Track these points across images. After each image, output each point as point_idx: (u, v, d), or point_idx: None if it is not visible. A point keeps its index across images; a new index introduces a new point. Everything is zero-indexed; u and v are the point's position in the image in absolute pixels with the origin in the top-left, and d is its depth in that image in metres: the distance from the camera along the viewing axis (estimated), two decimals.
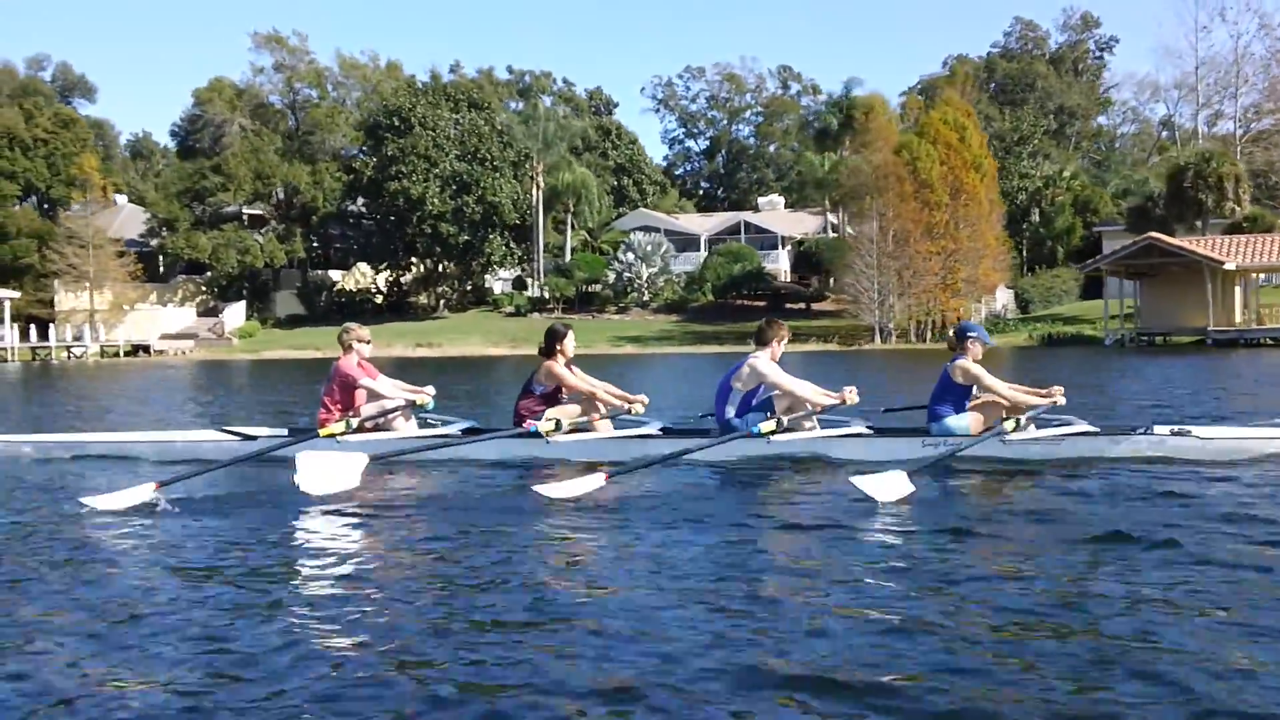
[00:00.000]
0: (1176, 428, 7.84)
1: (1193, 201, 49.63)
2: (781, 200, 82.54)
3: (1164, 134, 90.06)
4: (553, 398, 8.49)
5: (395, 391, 8.63)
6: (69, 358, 54.22)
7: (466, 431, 8.42)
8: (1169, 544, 4.78)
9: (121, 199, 72.07)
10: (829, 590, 4.15)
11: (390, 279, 70.03)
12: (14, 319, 56.35)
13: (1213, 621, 3.65)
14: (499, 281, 74.77)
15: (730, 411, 8.16)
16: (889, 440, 8.02)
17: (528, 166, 67.98)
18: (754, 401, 8.11)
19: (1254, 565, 4.42)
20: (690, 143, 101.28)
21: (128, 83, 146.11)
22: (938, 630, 3.59)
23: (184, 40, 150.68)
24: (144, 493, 6.22)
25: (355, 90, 74.91)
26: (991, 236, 49.37)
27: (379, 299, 70.83)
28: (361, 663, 3.37)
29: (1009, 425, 7.59)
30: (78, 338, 56.58)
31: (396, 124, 64.30)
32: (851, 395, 7.93)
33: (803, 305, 63.53)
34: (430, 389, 8.63)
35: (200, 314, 66.50)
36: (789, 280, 68.25)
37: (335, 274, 72.42)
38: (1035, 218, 63.81)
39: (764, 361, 8.08)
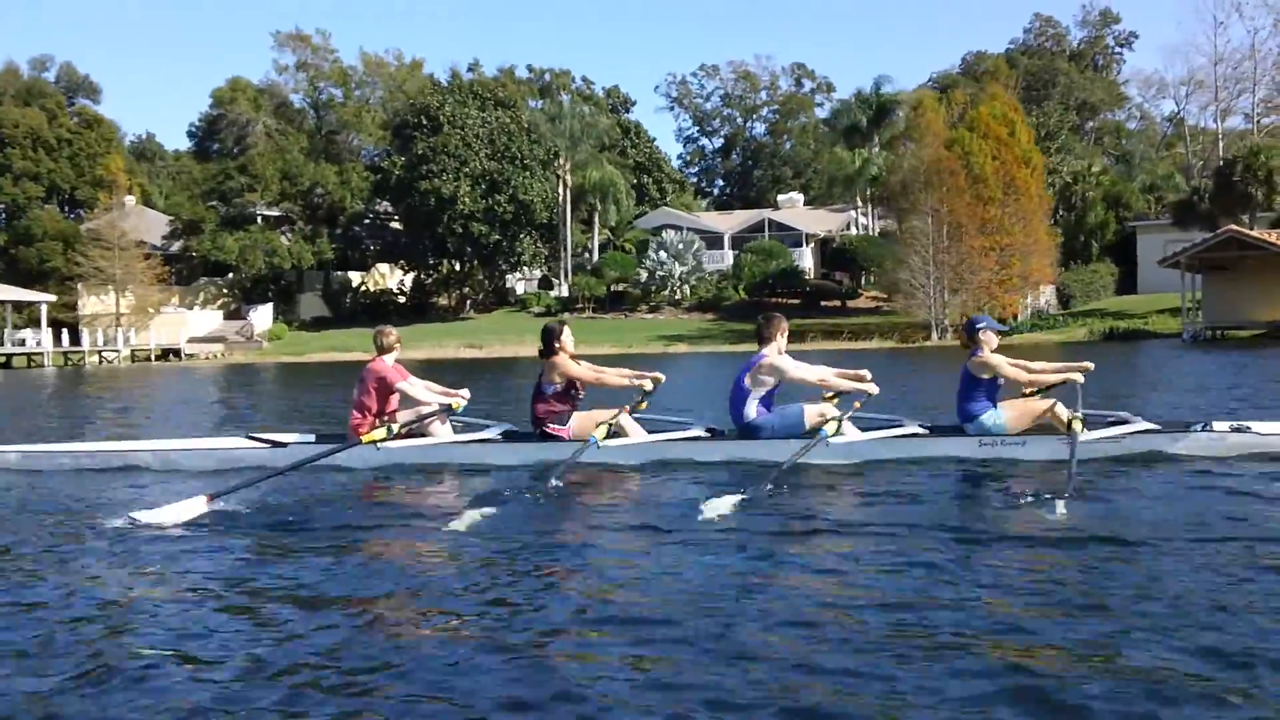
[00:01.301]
0: (1236, 424, 7.71)
1: (1241, 195, 49.25)
2: (801, 198, 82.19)
3: (1169, 130, 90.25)
4: (566, 395, 8.34)
5: (429, 395, 8.40)
6: (100, 362, 53.09)
7: (505, 435, 8.32)
8: (1235, 541, 4.81)
9: (130, 200, 70.93)
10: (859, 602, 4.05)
11: (415, 280, 69.12)
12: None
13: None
14: (520, 282, 74.06)
15: (751, 412, 7.97)
16: (943, 440, 7.83)
17: (555, 165, 67.28)
18: (772, 400, 8.04)
19: None
20: (704, 141, 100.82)
21: (130, 84, 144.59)
22: (982, 635, 3.59)
23: (187, 41, 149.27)
24: (196, 506, 6.11)
25: (378, 89, 73.85)
26: (1042, 231, 49.04)
27: (400, 300, 70.04)
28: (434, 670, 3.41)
29: (1064, 414, 7.55)
30: (108, 342, 55.46)
31: (424, 123, 63.46)
32: (871, 386, 7.86)
33: (837, 303, 63.01)
34: (465, 392, 8.37)
35: (225, 317, 65.46)
36: (814, 277, 67.75)
37: (354, 275, 71.52)
38: (1061, 213, 63.52)
39: (777, 356, 7.97)
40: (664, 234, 67.40)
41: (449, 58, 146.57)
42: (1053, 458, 7.29)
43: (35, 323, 55.67)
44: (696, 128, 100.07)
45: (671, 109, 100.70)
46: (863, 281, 64.24)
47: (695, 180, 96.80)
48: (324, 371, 35.59)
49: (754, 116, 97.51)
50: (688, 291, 65.67)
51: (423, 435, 8.28)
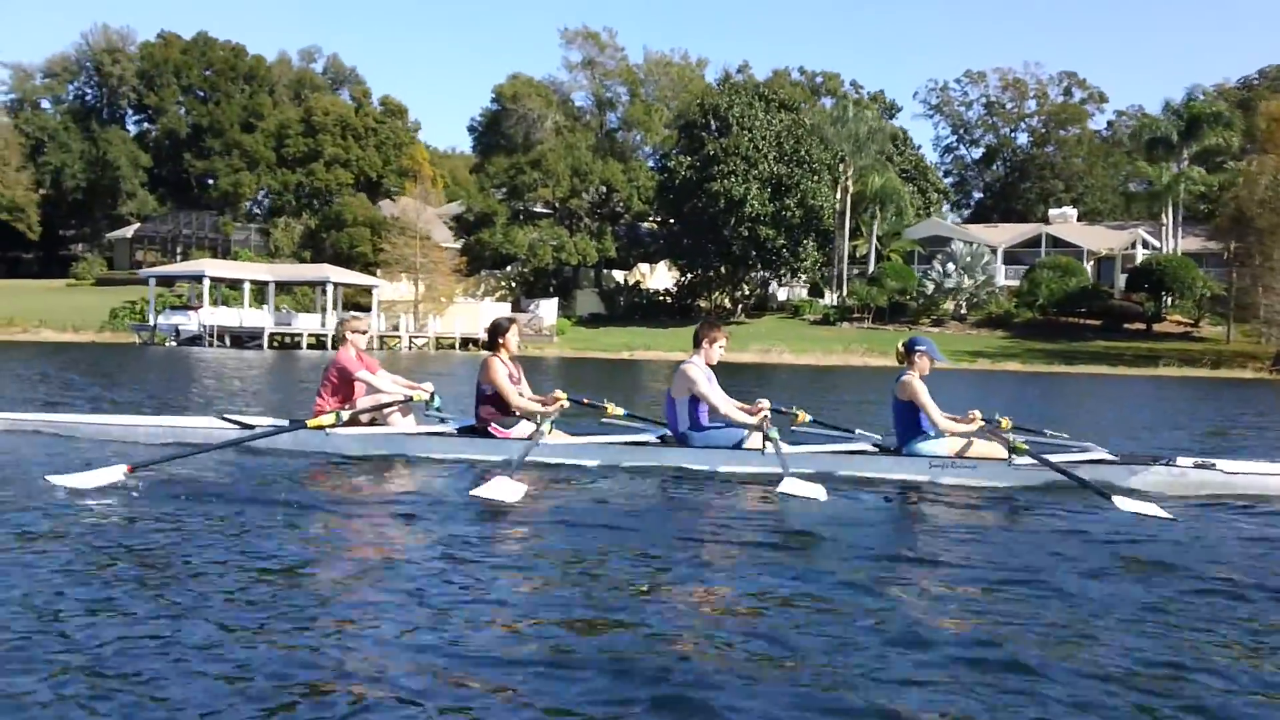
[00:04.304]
0: (1200, 460, 7.27)
1: None
2: (1074, 212, 78.58)
3: None
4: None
5: (392, 386, 8.43)
6: (410, 347, 54.53)
7: (463, 431, 8.15)
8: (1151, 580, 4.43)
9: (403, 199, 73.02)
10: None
11: (689, 280, 68.77)
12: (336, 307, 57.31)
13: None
14: (784, 288, 72.93)
15: (683, 423, 7.69)
16: (892, 458, 7.51)
17: (837, 170, 65.91)
18: (701, 412, 7.72)
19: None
20: (963, 150, 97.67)
21: (385, 74, 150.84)
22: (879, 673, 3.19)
23: (442, 34, 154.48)
24: (115, 474, 6.05)
25: (655, 88, 73.98)
26: None
27: (666, 300, 69.86)
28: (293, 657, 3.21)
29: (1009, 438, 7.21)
30: (421, 327, 57.04)
31: (713, 123, 63.07)
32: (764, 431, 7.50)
33: (1141, 326, 59.54)
34: (428, 385, 8.38)
35: (511, 309, 66.64)
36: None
37: (617, 274, 71.82)
38: None
39: (693, 367, 7.67)
40: (953, 245, 65.15)
41: (719, 59, 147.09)
42: (995, 481, 7.08)
43: (347, 305, 57.71)
44: (955, 136, 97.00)
45: (931, 116, 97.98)
46: (1170, 303, 60.39)
47: (952, 190, 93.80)
48: (602, 367, 35.48)
49: (1018, 126, 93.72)
50: (977, 305, 63.25)
51: (383, 425, 8.31)
